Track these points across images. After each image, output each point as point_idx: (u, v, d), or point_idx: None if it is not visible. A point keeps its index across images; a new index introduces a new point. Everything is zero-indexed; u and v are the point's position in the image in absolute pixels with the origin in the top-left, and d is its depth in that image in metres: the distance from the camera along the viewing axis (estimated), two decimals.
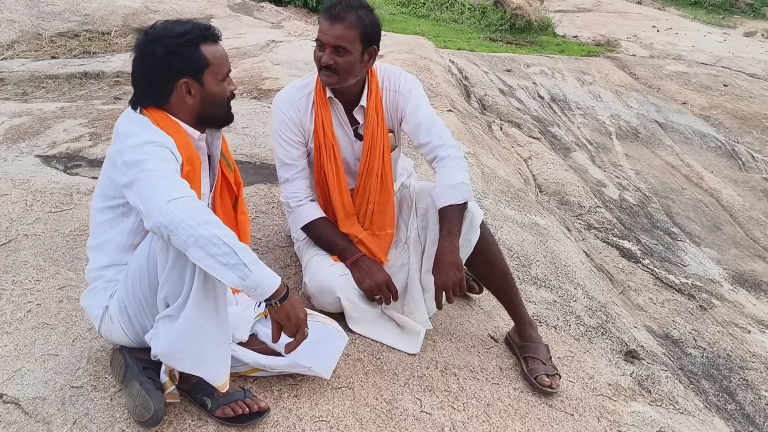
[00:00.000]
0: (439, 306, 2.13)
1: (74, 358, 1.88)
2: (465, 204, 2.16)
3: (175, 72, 1.70)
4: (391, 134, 2.30)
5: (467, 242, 2.19)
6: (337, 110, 2.24)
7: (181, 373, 1.72)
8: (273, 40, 6.00)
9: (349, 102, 2.24)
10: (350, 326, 2.17)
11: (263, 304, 1.83)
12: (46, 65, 4.96)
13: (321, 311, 2.12)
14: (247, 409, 1.73)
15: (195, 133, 1.76)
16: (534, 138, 5.03)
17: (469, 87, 5.83)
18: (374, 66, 2.26)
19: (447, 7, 10.38)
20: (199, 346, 1.60)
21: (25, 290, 2.16)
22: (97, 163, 3.14)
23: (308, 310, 2.00)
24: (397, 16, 9.96)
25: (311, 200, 2.30)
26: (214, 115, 1.79)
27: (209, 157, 1.89)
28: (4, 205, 2.64)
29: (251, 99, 4.25)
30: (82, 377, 1.82)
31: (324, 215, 2.29)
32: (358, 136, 2.27)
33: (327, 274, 2.18)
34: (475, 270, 2.35)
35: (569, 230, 3.76)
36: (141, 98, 1.74)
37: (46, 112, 3.86)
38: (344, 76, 2.11)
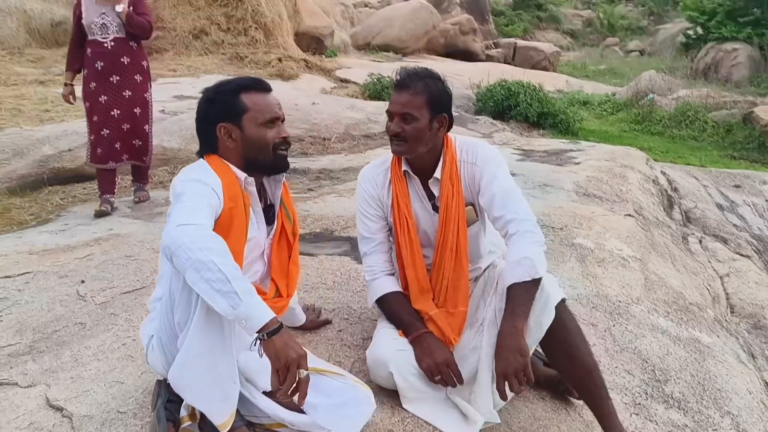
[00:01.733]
0: (502, 396, 1.89)
1: (133, 388, 2.03)
2: (535, 282, 1.95)
3: (214, 118, 1.86)
4: (470, 208, 2.20)
5: (538, 325, 1.95)
6: (414, 184, 2.22)
7: (203, 415, 1.75)
8: None
9: (426, 175, 2.20)
10: (403, 405, 2.02)
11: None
12: None
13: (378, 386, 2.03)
14: None
15: (242, 175, 1.87)
16: (742, 255, 4.37)
17: (674, 198, 5.33)
18: (452, 138, 2.22)
19: (686, 125, 9.74)
20: (199, 377, 1.62)
21: (130, 327, 2.41)
22: None
23: (342, 371, 1.94)
24: (628, 133, 9.59)
25: (388, 274, 2.25)
26: (258, 160, 1.89)
27: (271, 205, 1.99)
28: (156, 259, 3.01)
29: None
30: (130, 404, 1.95)
31: (397, 289, 2.22)
32: (437, 209, 2.21)
33: (384, 347, 2.08)
34: (555, 362, 2.07)
35: (753, 357, 3.13)
36: (201, 147, 1.92)
37: None
38: (413, 144, 2.10)
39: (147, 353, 1.87)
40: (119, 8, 4.12)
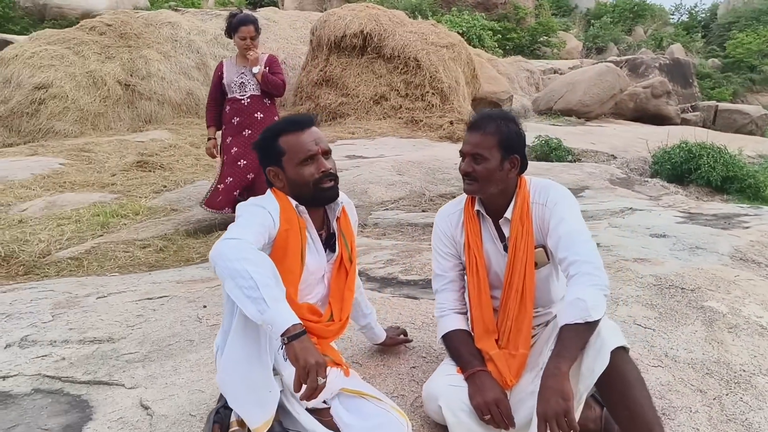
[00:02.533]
0: None
1: (210, 396, 2.23)
2: (588, 325, 1.86)
3: (263, 162, 2.06)
4: (540, 250, 2.15)
5: (590, 372, 1.85)
6: (487, 224, 2.23)
7: None
8: (630, 208, 5.85)
9: (498, 215, 2.21)
10: None
11: (338, 379, 1.93)
12: (411, 216, 5.85)
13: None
14: None
15: (294, 202, 2.04)
16: None
17: None
18: (526, 179, 2.21)
19: None
20: (237, 383, 1.76)
21: None
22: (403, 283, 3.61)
23: (381, 396, 1.98)
24: None
25: (456, 312, 2.27)
26: (302, 195, 2.04)
27: (333, 233, 2.13)
28: None
29: None
30: (202, 409, 2.14)
31: (463, 327, 2.22)
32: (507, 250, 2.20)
33: (438, 381, 2.09)
34: (614, 416, 1.92)
35: None
36: (267, 183, 2.13)
37: (384, 246, 4.59)
38: (484, 183, 2.13)
39: (216, 362, 2.06)
40: (255, 70, 4.63)
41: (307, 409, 1.92)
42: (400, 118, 10.93)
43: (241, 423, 1.89)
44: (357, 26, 11.16)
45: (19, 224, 5.73)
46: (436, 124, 10.52)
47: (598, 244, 4.29)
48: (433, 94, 11.26)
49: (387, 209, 6.20)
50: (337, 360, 2.07)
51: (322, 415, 1.92)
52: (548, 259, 2.18)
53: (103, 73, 10.61)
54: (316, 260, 2.08)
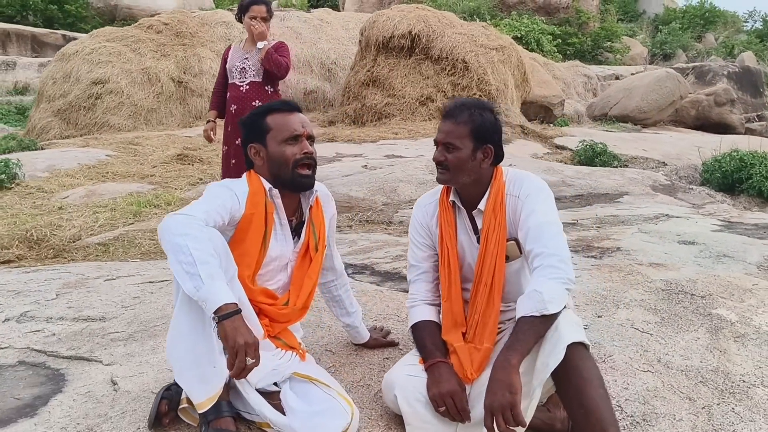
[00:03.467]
0: None
1: None
2: (545, 318, 1.78)
3: (246, 139, 2.06)
4: (512, 243, 2.08)
5: (544, 366, 1.77)
6: (462, 215, 2.18)
7: None
8: (666, 215, 5.63)
9: (473, 206, 2.15)
10: None
11: (291, 363, 1.92)
12: None
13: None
14: None
15: (267, 185, 2.03)
16: None
17: None
18: (503, 171, 2.14)
19: None
20: (182, 356, 1.76)
21: None
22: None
23: (330, 382, 1.95)
24: None
25: (428, 303, 2.21)
26: (281, 175, 2.04)
27: (303, 221, 2.12)
28: None
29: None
30: None
31: (431, 318, 2.17)
32: None
33: (396, 371, 2.04)
34: (570, 414, 1.83)
35: None
36: (246, 164, 2.13)
37: (400, 243, 4.56)
38: (455, 172, 2.08)
39: None
40: (261, 44, 4.32)
41: (258, 391, 1.90)
42: None
43: (191, 401, 1.89)
44: (405, 27, 11.16)
45: (58, 210, 5.96)
46: None
47: (617, 249, 4.19)
48: (480, 96, 11.12)
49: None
50: (292, 344, 2.06)
51: (271, 398, 1.90)
52: (520, 253, 2.10)
53: (157, 70, 10.95)
54: (281, 246, 2.07)
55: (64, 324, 2.82)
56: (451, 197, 2.18)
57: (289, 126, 2.07)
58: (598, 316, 2.87)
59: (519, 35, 21.98)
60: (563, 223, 5.40)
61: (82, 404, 2.11)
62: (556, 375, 1.81)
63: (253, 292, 1.97)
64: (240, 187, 2.00)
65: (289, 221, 2.10)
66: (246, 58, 4.44)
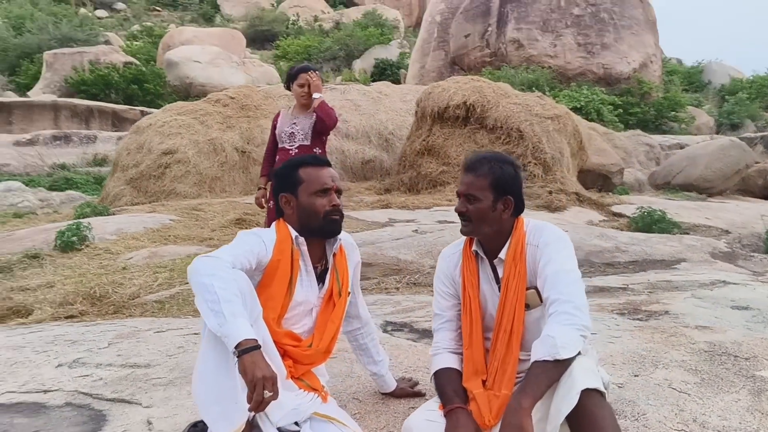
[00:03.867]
0: None
1: None
2: (558, 363, 1.80)
3: (278, 188, 2.20)
4: (532, 291, 2.12)
5: (557, 411, 1.78)
6: (484, 266, 2.24)
7: None
8: (723, 281, 5.46)
9: (495, 256, 2.21)
10: None
11: (312, 403, 1.99)
12: None
13: None
14: None
15: (294, 233, 2.16)
16: None
17: None
18: (524, 221, 2.20)
19: None
20: (206, 392, 1.85)
21: None
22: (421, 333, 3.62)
23: (347, 422, 2.00)
24: None
25: (450, 351, 2.25)
26: (310, 225, 2.16)
27: (328, 268, 2.22)
28: None
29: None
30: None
31: (452, 366, 2.20)
32: None
33: (415, 416, 2.07)
34: None
35: None
36: (276, 213, 2.27)
37: None
38: (477, 224, 2.16)
39: None
40: (317, 95, 4.54)
41: (279, 430, 1.97)
42: None
43: None
44: (460, 98, 11.44)
45: (121, 270, 6.27)
46: (536, 194, 10.40)
47: (666, 312, 4.09)
48: (535, 164, 11.19)
49: None
50: (315, 386, 2.12)
51: None
52: (540, 301, 2.14)
53: (222, 141, 11.52)
54: (306, 291, 2.17)
55: (111, 370, 2.97)
56: (474, 247, 2.25)
57: (320, 180, 2.21)
58: (635, 375, 2.82)
59: (578, 105, 22.12)
60: (612, 287, 5.33)
61: None
62: (570, 423, 1.81)
63: (278, 334, 2.06)
64: (268, 235, 2.13)
65: (315, 268, 2.21)
66: (294, 123, 4.66)
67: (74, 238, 6.89)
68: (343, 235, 2.30)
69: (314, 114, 4.60)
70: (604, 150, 13.67)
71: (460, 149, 11.38)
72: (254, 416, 1.95)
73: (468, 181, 2.17)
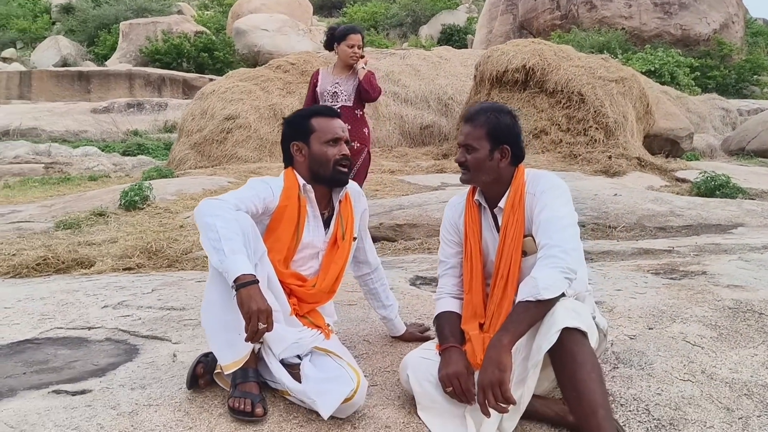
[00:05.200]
0: (483, 410, 1.84)
1: None
2: (539, 303, 1.86)
3: (289, 137, 2.29)
4: (529, 238, 2.16)
5: (537, 348, 1.85)
6: (486, 214, 2.29)
7: None
8: None
9: (495, 205, 2.27)
10: (418, 411, 2.07)
11: (314, 338, 2.12)
12: None
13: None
14: (244, 408, 1.97)
15: (302, 182, 2.27)
16: None
17: None
18: (524, 170, 2.24)
19: None
20: (212, 322, 2.00)
21: None
22: None
23: (343, 354, 2.12)
24: None
25: (453, 296, 2.33)
26: (320, 173, 2.26)
27: (333, 213, 2.33)
28: None
29: None
30: None
31: (453, 310, 2.29)
32: None
33: (412, 353, 2.18)
34: (565, 397, 1.88)
35: None
36: (284, 160, 2.38)
37: None
38: (475, 173, 2.21)
39: None
40: (360, 64, 4.52)
41: (282, 362, 2.11)
42: (559, 152, 10.74)
43: None
44: (519, 61, 11.23)
45: (179, 228, 6.58)
46: (595, 159, 10.18)
47: (703, 273, 4.02)
48: (596, 129, 10.92)
49: None
50: (318, 323, 2.25)
51: (293, 368, 2.10)
52: (537, 248, 2.18)
53: (282, 106, 11.76)
54: (313, 234, 2.29)
55: (150, 311, 3.20)
56: (476, 196, 2.31)
57: (332, 130, 2.31)
58: (649, 328, 2.82)
59: (652, 68, 21.26)
60: (657, 249, 5.23)
61: (143, 370, 2.42)
62: (553, 361, 1.88)
63: (284, 275, 2.19)
64: (276, 182, 2.26)
65: (321, 214, 2.32)
66: (337, 83, 4.63)
67: (136, 198, 7.27)
68: (350, 184, 2.40)
69: (357, 78, 4.59)
70: (674, 114, 13.15)
71: (518, 114, 11.14)
72: (260, 348, 2.09)
73: (466, 131, 2.23)
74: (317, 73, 4.82)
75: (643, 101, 12.03)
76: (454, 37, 33.16)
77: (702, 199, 7.55)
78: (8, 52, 32.44)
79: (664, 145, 12.63)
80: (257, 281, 1.89)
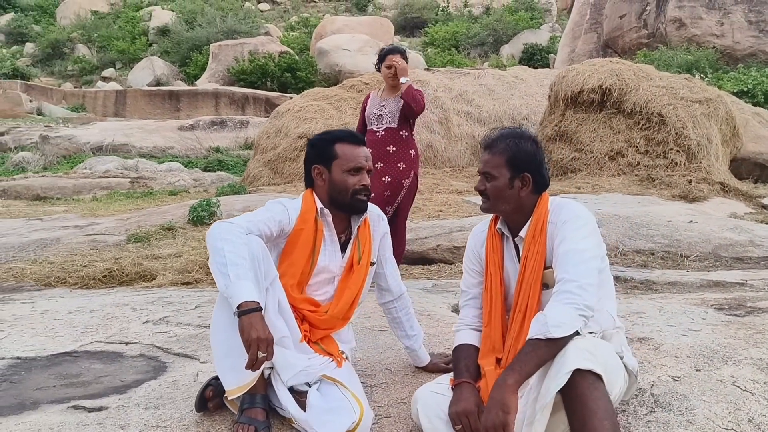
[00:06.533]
0: None
1: None
2: (549, 341, 1.75)
3: (311, 159, 2.27)
4: (550, 270, 2.05)
5: (546, 390, 1.73)
6: (509, 244, 2.20)
7: None
8: None
9: (517, 235, 2.17)
10: None
11: (323, 366, 2.09)
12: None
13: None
14: None
15: (320, 205, 2.25)
16: None
17: None
18: (549, 199, 2.14)
19: None
20: (219, 347, 1.99)
21: None
22: None
23: (348, 384, 2.06)
24: None
25: (472, 328, 2.26)
26: (338, 200, 2.23)
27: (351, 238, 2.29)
28: None
29: None
30: None
31: (471, 343, 2.20)
32: None
33: (425, 387, 2.10)
34: None
35: None
36: (305, 181, 2.36)
37: None
38: (494, 201, 2.14)
39: None
40: (404, 80, 4.45)
41: (291, 389, 2.07)
42: (636, 175, 10.31)
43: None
44: (596, 81, 10.90)
45: None
46: (674, 183, 9.70)
47: None
48: (677, 151, 10.43)
49: None
50: (331, 350, 2.20)
51: (300, 396, 2.06)
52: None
53: (354, 125, 11.82)
54: (329, 258, 2.26)
55: (187, 329, 3.25)
56: (498, 225, 2.22)
57: (355, 158, 2.28)
58: (697, 370, 2.61)
59: (745, 89, 20.18)
60: (728, 282, 4.91)
61: (163, 389, 2.44)
62: (565, 404, 1.76)
63: (297, 300, 2.17)
64: (293, 205, 2.24)
65: (339, 238, 2.29)
66: (383, 106, 4.62)
67: (204, 213, 7.48)
68: (373, 209, 2.36)
69: (401, 98, 4.53)
70: (763, 137, 12.38)
71: (594, 135, 10.87)
72: (269, 374, 2.07)
73: (485, 158, 2.16)
74: (368, 96, 4.83)
75: (729, 123, 11.41)
76: (536, 57, 32.65)
77: None
78: (108, 72, 34.50)
79: (753, 170, 11.91)
80: (260, 308, 1.87)
